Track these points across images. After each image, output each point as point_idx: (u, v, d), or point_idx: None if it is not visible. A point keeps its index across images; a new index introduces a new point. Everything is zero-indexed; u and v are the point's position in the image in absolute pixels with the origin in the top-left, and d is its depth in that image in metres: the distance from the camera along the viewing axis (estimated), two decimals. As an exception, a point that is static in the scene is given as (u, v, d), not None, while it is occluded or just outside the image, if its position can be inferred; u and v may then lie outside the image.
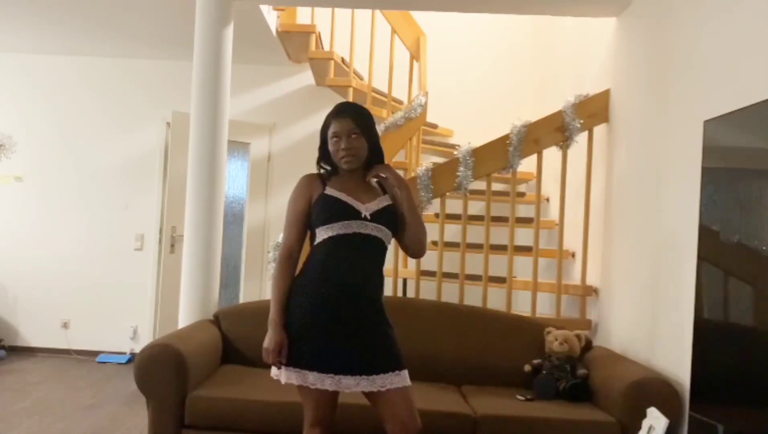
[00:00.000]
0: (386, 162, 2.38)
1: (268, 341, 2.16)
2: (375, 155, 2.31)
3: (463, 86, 5.61)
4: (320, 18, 5.09)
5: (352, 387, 2.14)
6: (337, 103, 2.38)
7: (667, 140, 3.01)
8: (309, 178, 2.31)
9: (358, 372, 2.14)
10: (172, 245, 5.04)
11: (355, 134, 2.21)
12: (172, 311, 4.18)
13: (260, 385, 2.98)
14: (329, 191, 2.24)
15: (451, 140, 5.39)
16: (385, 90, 4.97)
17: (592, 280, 3.85)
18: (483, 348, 3.40)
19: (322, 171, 2.34)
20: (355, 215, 2.20)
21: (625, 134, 3.57)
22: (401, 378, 2.17)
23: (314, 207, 2.24)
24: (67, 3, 4.43)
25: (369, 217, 2.21)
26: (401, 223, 2.30)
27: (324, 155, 2.31)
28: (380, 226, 2.22)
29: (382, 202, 2.27)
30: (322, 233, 2.22)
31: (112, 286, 5.71)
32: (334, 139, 2.23)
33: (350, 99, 4.91)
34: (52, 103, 5.80)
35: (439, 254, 3.97)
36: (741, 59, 2.42)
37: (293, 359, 2.16)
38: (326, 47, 5.19)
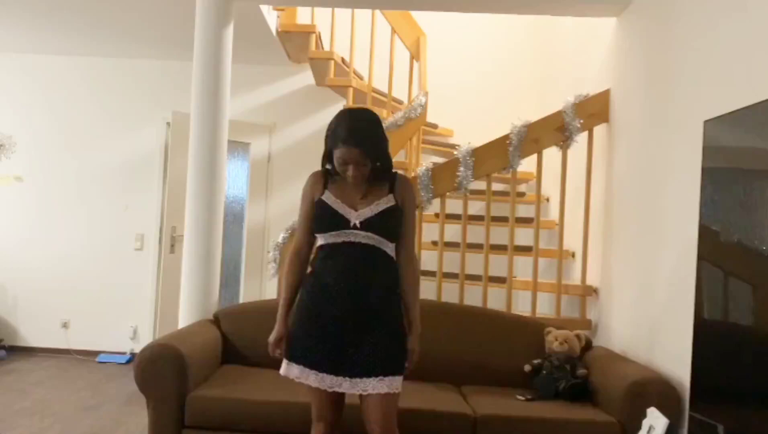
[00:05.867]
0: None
1: (272, 334, 2.30)
2: (387, 162, 2.31)
3: (463, 86, 5.61)
4: (320, 18, 5.09)
5: (334, 386, 2.20)
6: (345, 111, 2.29)
7: (667, 140, 3.01)
8: (314, 177, 2.35)
9: (342, 372, 2.19)
10: (172, 245, 5.04)
11: (363, 163, 2.19)
12: (172, 311, 4.19)
13: (260, 385, 2.98)
14: (326, 195, 2.27)
15: (451, 140, 5.39)
16: (385, 90, 4.97)
17: (592, 280, 3.85)
18: (483, 348, 3.40)
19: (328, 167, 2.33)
20: (344, 224, 2.21)
21: (625, 134, 3.57)
22: (384, 384, 2.18)
23: (314, 211, 2.30)
24: (67, 3, 4.43)
25: (359, 225, 2.21)
26: (397, 225, 2.29)
27: (329, 158, 2.28)
28: (370, 234, 2.21)
29: (380, 206, 2.24)
30: (319, 240, 2.31)
31: (112, 286, 5.71)
32: (341, 162, 2.19)
33: (350, 99, 4.92)
34: (52, 104, 5.80)
35: (439, 254, 3.97)
36: (741, 59, 2.42)
37: (289, 352, 2.28)
38: (326, 47, 5.19)
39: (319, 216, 2.26)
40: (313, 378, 2.21)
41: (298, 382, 2.26)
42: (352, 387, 2.19)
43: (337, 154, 2.19)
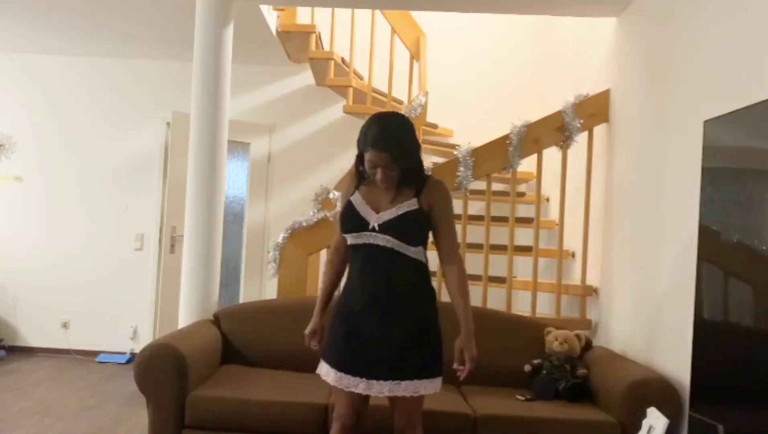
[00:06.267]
0: None
1: (308, 327, 2.41)
2: (417, 166, 2.29)
3: (463, 86, 5.60)
4: (320, 18, 5.09)
5: (350, 386, 2.21)
6: (376, 115, 2.30)
7: (667, 140, 3.01)
8: (349, 177, 2.41)
9: (359, 373, 2.20)
10: (172, 245, 5.04)
11: (389, 167, 2.19)
12: (172, 311, 4.18)
13: (260, 385, 2.98)
14: (355, 196, 2.31)
15: (451, 140, 5.38)
16: (385, 90, 4.97)
17: (592, 280, 3.85)
18: (483, 348, 3.34)
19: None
20: (364, 226, 2.24)
21: (625, 134, 3.57)
22: (401, 388, 2.18)
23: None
24: (67, 3, 4.43)
25: (377, 228, 2.22)
26: (419, 230, 2.27)
27: (361, 161, 2.29)
28: (387, 237, 2.21)
29: (400, 209, 2.24)
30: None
31: (112, 286, 5.71)
32: (370, 166, 2.21)
33: (350, 99, 4.92)
34: (52, 104, 5.80)
35: (439, 254, 3.97)
36: (741, 59, 2.42)
37: (322, 349, 2.35)
38: (326, 47, 5.19)
39: (344, 216, 2.31)
40: (332, 376, 2.25)
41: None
42: (368, 389, 2.20)
43: (367, 157, 2.21)
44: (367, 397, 2.27)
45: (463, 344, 2.24)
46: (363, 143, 2.23)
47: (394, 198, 2.25)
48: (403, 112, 4.46)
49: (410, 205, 2.24)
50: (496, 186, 4.83)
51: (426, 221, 2.27)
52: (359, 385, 2.20)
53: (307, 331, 2.40)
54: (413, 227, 2.24)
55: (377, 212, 2.24)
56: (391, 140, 2.18)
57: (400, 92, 5.12)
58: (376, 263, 2.24)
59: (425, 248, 2.30)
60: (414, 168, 2.27)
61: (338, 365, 2.24)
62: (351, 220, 2.27)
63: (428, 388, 2.22)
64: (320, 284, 2.45)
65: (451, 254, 2.30)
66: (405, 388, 2.18)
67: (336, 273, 2.43)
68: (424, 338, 2.25)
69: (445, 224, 2.29)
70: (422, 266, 2.29)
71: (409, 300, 2.24)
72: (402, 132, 2.24)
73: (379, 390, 2.19)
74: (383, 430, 2.40)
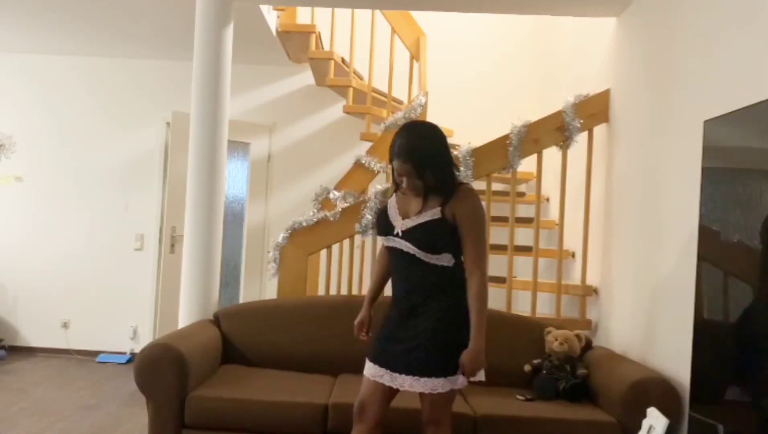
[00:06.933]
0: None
1: (357, 318, 2.57)
2: (443, 177, 2.28)
3: (463, 86, 5.61)
4: (320, 18, 5.09)
5: (376, 376, 2.32)
6: (405, 125, 2.36)
7: (667, 140, 3.01)
8: (392, 182, 2.48)
9: (385, 365, 2.31)
10: (172, 245, 5.05)
11: (414, 176, 2.25)
12: (172, 311, 4.19)
13: (260, 385, 2.98)
14: (390, 201, 2.44)
15: (451, 140, 5.38)
16: (385, 90, 4.97)
17: (592, 280, 3.85)
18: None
19: None
20: (391, 230, 2.34)
21: (625, 134, 3.57)
22: (420, 384, 2.25)
23: None
24: (67, 3, 4.43)
25: (400, 234, 2.30)
26: (441, 239, 2.27)
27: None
28: (408, 244, 2.28)
29: (422, 218, 2.28)
30: None
31: (112, 286, 5.71)
32: (396, 174, 2.30)
33: (350, 99, 4.92)
34: (52, 104, 5.80)
35: (439, 254, 3.97)
36: (741, 59, 2.42)
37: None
38: (326, 47, 5.19)
39: (377, 219, 2.45)
40: (366, 367, 2.38)
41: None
42: (391, 381, 2.29)
43: (393, 166, 2.28)
44: (391, 393, 2.35)
45: (464, 359, 2.22)
46: (390, 152, 2.30)
47: (423, 207, 2.30)
48: (403, 112, 4.46)
49: (433, 214, 2.27)
50: (496, 186, 4.84)
51: (450, 230, 2.27)
52: (383, 376, 2.30)
53: (356, 322, 2.55)
54: (434, 236, 2.27)
55: (404, 219, 2.32)
56: (413, 151, 2.23)
57: (400, 92, 5.12)
58: (401, 266, 2.34)
59: (454, 255, 2.30)
60: (440, 179, 2.27)
61: (369, 355, 2.38)
62: (381, 223, 2.40)
63: (446, 387, 2.25)
64: (371, 280, 2.61)
65: (471, 266, 2.27)
66: (424, 385, 2.25)
67: (382, 270, 2.54)
68: (446, 338, 2.26)
69: (467, 235, 2.27)
70: (447, 271, 2.29)
71: (431, 302, 2.28)
72: (427, 143, 2.26)
73: (401, 383, 2.28)
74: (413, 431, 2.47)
